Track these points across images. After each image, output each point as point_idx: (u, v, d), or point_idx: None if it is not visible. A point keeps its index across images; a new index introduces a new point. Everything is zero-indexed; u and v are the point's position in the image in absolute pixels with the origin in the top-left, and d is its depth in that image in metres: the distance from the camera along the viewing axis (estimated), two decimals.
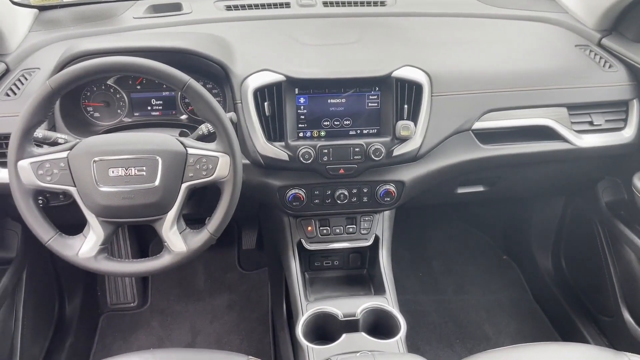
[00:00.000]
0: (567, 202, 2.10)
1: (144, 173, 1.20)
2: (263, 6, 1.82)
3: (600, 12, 1.70)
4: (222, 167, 1.24)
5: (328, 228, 1.60)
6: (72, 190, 1.21)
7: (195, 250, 1.26)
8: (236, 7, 1.81)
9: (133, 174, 1.20)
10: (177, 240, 1.26)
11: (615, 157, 1.70)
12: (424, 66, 1.47)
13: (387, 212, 1.64)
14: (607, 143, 1.62)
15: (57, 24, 1.72)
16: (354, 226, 1.61)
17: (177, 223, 1.27)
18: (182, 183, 1.24)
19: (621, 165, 1.74)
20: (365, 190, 1.53)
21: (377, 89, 1.43)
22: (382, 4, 1.86)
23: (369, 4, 1.86)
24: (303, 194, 1.50)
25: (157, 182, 1.21)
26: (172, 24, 1.71)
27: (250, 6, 1.82)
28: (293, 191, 1.50)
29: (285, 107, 1.41)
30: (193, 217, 1.48)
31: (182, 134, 1.43)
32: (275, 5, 1.82)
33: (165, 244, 1.27)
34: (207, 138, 1.32)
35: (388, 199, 1.53)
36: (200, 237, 1.27)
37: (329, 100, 1.43)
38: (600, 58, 1.65)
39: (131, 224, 1.26)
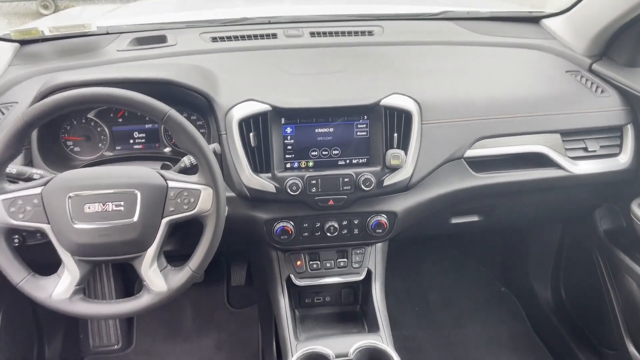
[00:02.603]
0: (564, 231, 2.05)
1: (122, 208, 1.15)
2: (250, 37, 1.79)
3: (589, 38, 1.69)
4: (205, 201, 1.19)
5: (318, 262, 1.55)
6: (46, 227, 1.15)
7: (176, 290, 1.20)
8: (222, 39, 1.79)
9: (110, 209, 1.15)
10: (157, 279, 1.20)
11: (611, 184, 1.66)
12: (413, 94, 1.45)
13: (379, 245, 1.59)
14: (603, 169, 1.59)
15: (38, 58, 1.68)
16: (345, 260, 1.56)
17: (157, 260, 1.21)
18: (162, 218, 1.18)
19: (618, 192, 1.70)
20: (355, 222, 1.48)
21: (365, 117, 1.41)
22: (370, 33, 1.84)
23: (356, 34, 1.84)
24: (291, 227, 1.44)
25: (135, 218, 1.15)
26: (156, 56, 1.68)
27: (236, 37, 1.79)
28: (281, 224, 1.44)
29: (271, 137, 1.37)
30: (178, 254, 1.42)
31: (164, 167, 1.38)
32: (262, 36, 1.80)
33: (145, 283, 1.21)
34: (190, 171, 1.27)
35: (380, 231, 1.48)
36: (181, 276, 1.20)
37: (316, 130, 1.40)
38: (592, 83, 1.63)
39: (109, 263, 1.20)
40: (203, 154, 1.18)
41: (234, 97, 1.42)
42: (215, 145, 1.30)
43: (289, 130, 1.39)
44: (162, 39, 1.76)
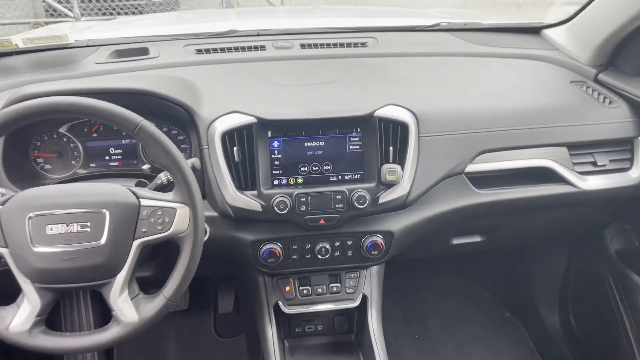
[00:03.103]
0: (571, 251, 1.94)
1: (88, 229, 1.04)
2: (237, 49, 1.71)
3: (594, 47, 1.61)
4: (181, 220, 1.08)
5: (309, 288, 1.44)
6: (4, 251, 1.04)
7: (149, 320, 1.08)
8: (207, 51, 1.70)
9: (75, 230, 1.04)
10: (128, 308, 1.09)
11: (622, 201, 1.56)
12: (409, 105, 1.36)
13: (375, 268, 1.48)
14: (613, 185, 1.49)
15: (11, 71, 1.58)
16: (339, 285, 1.45)
17: (128, 287, 1.10)
18: (133, 240, 1.08)
19: (630, 209, 1.60)
20: (349, 243, 1.38)
21: (358, 130, 1.32)
22: (363, 45, 1.76)
23: (349, 45, 1.76)
24: (279, 249, 1.34)
25: (103, 240, 1.05)
26: (137, 69, 1.58)
27: (222, 50, 1.70)
28: (267, 246, 1.34)
29: (257, 152, 1.28)
30: (159, 280, 1.30)
31: (139, 184, 1.27)
32: (249, 48, 1.71)
33: (114, 313, 1.09)
34: (167, 188, 1.17)
35: (375, 252, 1.37)
36: (154, 304, 1.09)
37: (306, 144, 1.31)
38: (599, 94, 1.54)
39: (74, 290, 1.08)
40: (179, 168, 1.08)
41: (216, 109, 1.33)
42: (194, 160, 1.20)
43: (276, 144, 1.30)
44: (143, 51, 1.67)
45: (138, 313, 1.08)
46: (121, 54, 1.67)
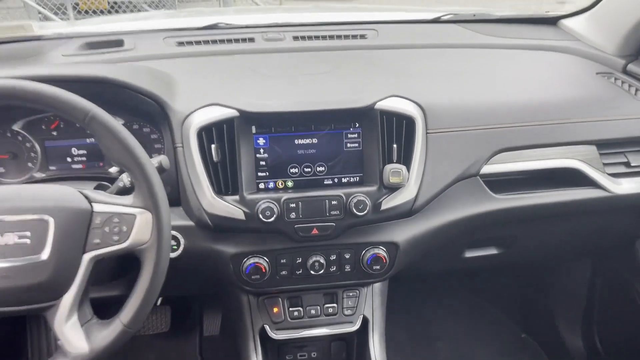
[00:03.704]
0: (597, 265, 1.75)
1: (28, 241, 0.87)
2: (222, 41, 1.54)
3: (621, 36, 1.46)
4: (141, 229, 0.90)
5: (300, 309, 1.26)
6: None
7: (101, 351, 0.90)
8: (190, 43, 1.53)
9: (11, 242, 0.86)
10: (77, 336, 0.91)
11: None
12: (415, 97, 1.20)
13: (377, 285, 1.30)
14: None
15: None
16: (335, 305, 1.27)
17: (78, 311, 0.92)
18: (84, 253, 0.90)
19: None
20: (347, 257, 1.20)
21: (357, 125, 1.16)
22: (363, 37, 1.59)
23: (346, 37, 1.59)
24: (265, 264, 1.17)
25: (46, 254, 0.87)
26: (109, 61, 1.41)
27: (207, 42, 1.54)
28: (251, 260, 1.16)
29: (239, 150, 1.12)
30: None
31: (99, 188, 1.09)
32: (237, 40, 1.54)
33: (59, 342, 0.90)
34: (131, 192, 0.98)
35: (378, 267, 1.20)
36: (109, 332, 0.90)
37: (296, 141, 1.15)
38: (630, 86, 1.38)
39: (9, 315, 0.89)
40: (139, 165, 0.90)
41: (193, 101, 1.17)
42: (161, 158, 1.02)
43: (261, 141, 1.14)
44: (118, 43, 1.51)
45: (89, 342, 0.89)
46: (93, 45, 1.51)
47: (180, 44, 1.53)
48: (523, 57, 1.52)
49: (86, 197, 0.91)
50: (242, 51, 1.51)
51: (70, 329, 0.89)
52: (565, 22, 1.68)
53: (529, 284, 2.09)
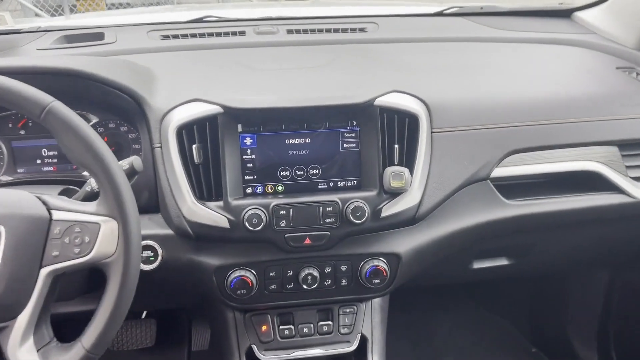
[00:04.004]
0: (614, 276, 1.63)
1: None
2: (211, 35, 1.44)
3: None
4: (106, 240, 0.79)
5: (291, 327, 1.14)
6: None
7: None
8: (175, 37, 1.43)
9: None
10: None
11: None
12: (419, 93, 1.10)
13: (377, 301, 1.18)
14: None
15: None
16: (330, 323, 1.15)
17: (34, 334, 0.81)
18: (40, 268, 0.79)
19: None
20: (343, 269, 1.09)
21: (354, 123, 1.06)
22: (362, 30, 1.49)
23: (344, 31, 1.48)
24: (252, 278, 1.05)
25: None
26: (87, 55, 1.30)
27: (194, 35, 1.43)
28: (237, 273, 1.05)
29: (223, 151, 1.02)
30: None
31: (65, 193, 0.98)
32: (226, 34, 1.44)
33: None
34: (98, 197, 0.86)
35: (377, 281, 1.09)
36: (69, 358, 0.78)
37: (287, 141, 1.05)
38: None
39: None
40: (103, 167, 0.79)
41: (173, 97, 1.07)
42: (132, 159, 0.90)
43: (248, 141, 1.04)
44: (98, 37, 1.42)
45: None
46: (71, 39, 1.42)
47: (165, 37, 1.43)
48: (536, 51, 1.41)
49: (44, 203, 0.80)
50: (232, 45, 1.41)
51: (25, 354, 0.78)
52: (580, 14, 1.58)
53: (539, 294, 1.96)
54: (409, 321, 1.99)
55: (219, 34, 1.45)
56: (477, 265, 1.32)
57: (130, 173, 0.90)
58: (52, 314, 1.05)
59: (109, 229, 0.79)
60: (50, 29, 1.47)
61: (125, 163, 0.89)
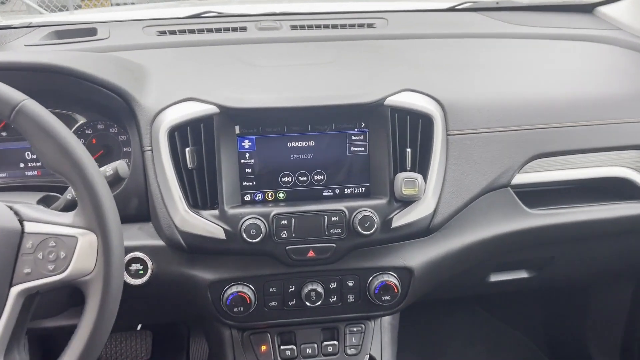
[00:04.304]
0: (639, 287, 1.52)
1: None
2: (210, 31, 1.36)
3: None
4: (84, 256, 0.71)
5: (293, 347, 1.06)
6: None
7: None
8: (172, 32, 1.35)
9: None
10: None
11: None
12: (433, 92, 1.02)
13: (386, 319, 1.10)
14: None
15: None
16: (336, 343, 1.07)
17: (4, 358, 0.70)
18: (10, 286, 0.71)
19: None
20: (350, 285, 1.01)
21: (363, 124, 0.98)
22: (370, 26, 1.40)
23: (352, 26, 1.39)
24: (250, 294, 0.97)
25: None
26: (77, 51, 1.23)
27: (192, 31, 1.35)
28: (234, 289, 0.97)
29: (219, 155, 0.94)
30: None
31: (44, 200, 0.89)
32: (226, 29, 1.36)
33: None
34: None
35: (387, 298, 1.00)
36: None
37: (289, 144, 0.97)
38: None
39: None
40: (81, 173, 0.70)
41: (166, 96, 0.99)
42: (117, 164, 0.82)
43: (247, 144, 0.96)
44: (90, 32, 1.34)
45: None
46: (62, 35, 1.34)
47: (162, 33, 1.35)
48: (557, 47, 1.32)
49: (16, 213, 0.72)
50: (232, 41, 1.33)
51: None
52: (603, 9, 1.48)
53: (556, 304, 1.86)
54: (418, 334, 1.90)
55: (218, 30, 1.37)
56: (494, 278, 1.23)
57: (115, 180, 0.81)
58: (40, 329, 0.97)
59: (87, 242, 0.71)
60: (42, 24, 1.40)
61: (109, 169, 0.81)
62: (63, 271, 0.70)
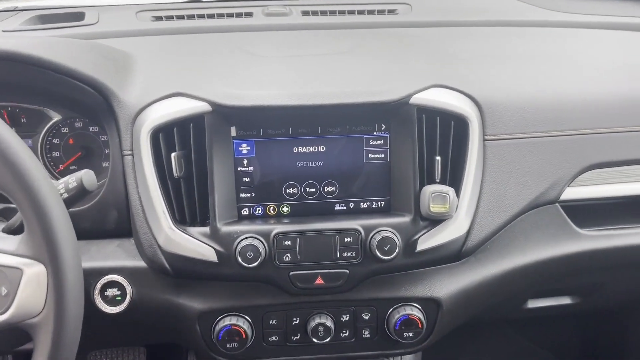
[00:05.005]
0: None
1: None
2: (211, 16, 1.23)
3: None
4: (31, 292, 0.58)
5: None
6: None
7: None
8: (169, 18, 1.22)
9: None
10: None
11: None
12: (467, 88, 0.89)
13: (407, 358, 0.99)
14: None
15: None
16: None
17: None
18: None
19: None
20: (365, 318, 0.90)
21: (383, 127, 0.87)
22: (392, 12, 1.27)
23: (371, 12, 1.25)
24: (246, 328, 0.85)
25: None
26: (50, 37, 1.11)
27: (191, 16, 1.22)
28: (227, 321, 0.86)
29: (211, 161, 0.82)
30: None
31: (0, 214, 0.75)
32: (229, 15, 1.23)
33: None
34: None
35: (410, 335, 0.88)
36: None
37: (295, 149, 0.86)
38: None
39: None
40: (27, 188, 0.56)
41: (150, 91, 0.87)
42: (82, 175, 0.68)
43: (244, 148, 0.85)
44: (77, 17, 1.23)
45: None
46: (45, 19, 1.23)
47: (157, 18, 1.23)
48: (609, 38, 1.18)
49: None
50: (236, 28, 1.20)
51: None
52: None
53: (594, 327, 1.72)
54: (441, 353, 1.77)
55: (221, 15, 1.24)
56: (533, 304, 1.09)
57: (79, 193, 0.67)
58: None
59: (34, 276, 0.57)
60: (28, 8, 1.28)
61: (72, 179, 0.67)
62: (4, 312, 0.57)
